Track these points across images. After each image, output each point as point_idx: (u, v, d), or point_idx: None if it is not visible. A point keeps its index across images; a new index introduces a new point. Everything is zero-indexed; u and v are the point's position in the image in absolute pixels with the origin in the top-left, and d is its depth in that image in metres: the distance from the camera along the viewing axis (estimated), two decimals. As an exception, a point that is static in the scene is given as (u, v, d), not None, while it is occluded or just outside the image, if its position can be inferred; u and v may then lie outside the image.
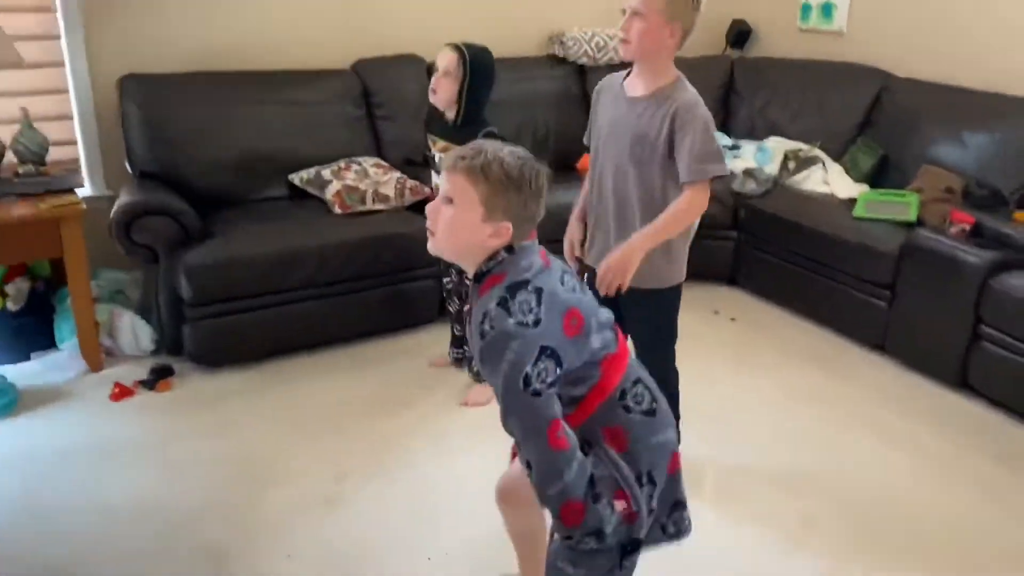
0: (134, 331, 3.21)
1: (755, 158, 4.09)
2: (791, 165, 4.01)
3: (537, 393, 1.38)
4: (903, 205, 3.48)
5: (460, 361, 3.17)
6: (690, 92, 2.19)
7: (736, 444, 2.81)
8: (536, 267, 1.48)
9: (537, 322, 1.40)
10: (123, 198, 3.08)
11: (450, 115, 2.79)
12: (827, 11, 4.57)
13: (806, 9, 4.68)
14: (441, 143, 2.82)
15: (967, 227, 3.17)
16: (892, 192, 3.62)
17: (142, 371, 3.11)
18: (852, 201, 3.69)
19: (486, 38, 4.38)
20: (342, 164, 3.56)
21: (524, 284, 1.44)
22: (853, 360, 3.44)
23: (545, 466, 1.41)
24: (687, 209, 2.18)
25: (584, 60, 4.38)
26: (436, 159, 2.84)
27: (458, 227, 1.47)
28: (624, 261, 2.12)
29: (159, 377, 3.05)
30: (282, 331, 3.19)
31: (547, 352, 1.40)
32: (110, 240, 3.06)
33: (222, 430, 2.80)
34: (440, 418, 2.91)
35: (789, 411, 3.02)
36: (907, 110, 3.98)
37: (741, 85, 4.59)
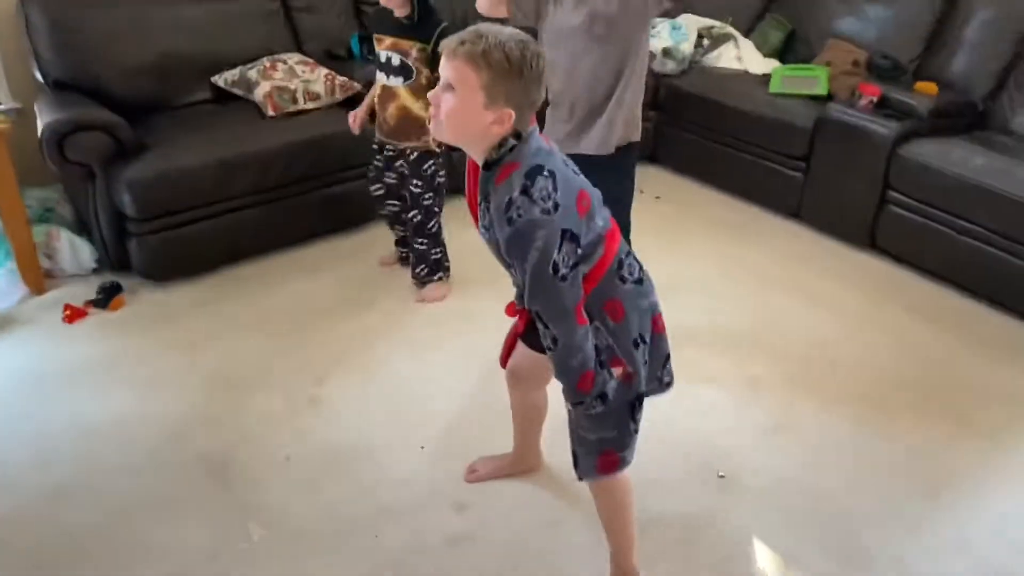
0: (73, 250, 3.13)
1: (671, 36, 4.19)
2: (705, 43, 4.15)
3: (564, 278, 1.48)
4: (814, 79, 3.69)
5: (405, 260, 3.24)
6: None
7: (679, 315, 3.03)
8: (544, 150, 1.53)
9: (556, 207, 1.45)
10: (47, 113, 2.93)
11: (401, 13, 2.75)
12: None
13: None
14: (389, 40, 2.79)
15: (874, 99, 3.41)
16: (803, 67, 3.82)
17: (89, 290, 3.06)
18: (766, 76, 3.87)
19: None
20: (267, 63, 3.46)
21: (540, 169, 1.47)
22: (773, 228, 3.71)
23: (570, 341, 1.53)
24: None
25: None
26: (384, 58, 2.82)
27: (460, 113, 1.47)
28: None
29: (110, 295, 3.01)
30: (230, 240, 3.18)
31: (568, 235, 1.47)
32: (29, 156, 2.93)
33: (189, 343, 2.83)
34: (402, 316, 3.01)
35: (721, 281, 3.28)
36: (811, -17, 4.14)
37: (650, -39, 4.63)
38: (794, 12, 4.17)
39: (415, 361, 2.76)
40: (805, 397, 2.62)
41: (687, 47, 4.12)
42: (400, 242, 3.24)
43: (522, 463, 2.25)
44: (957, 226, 3.10)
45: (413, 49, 2.76)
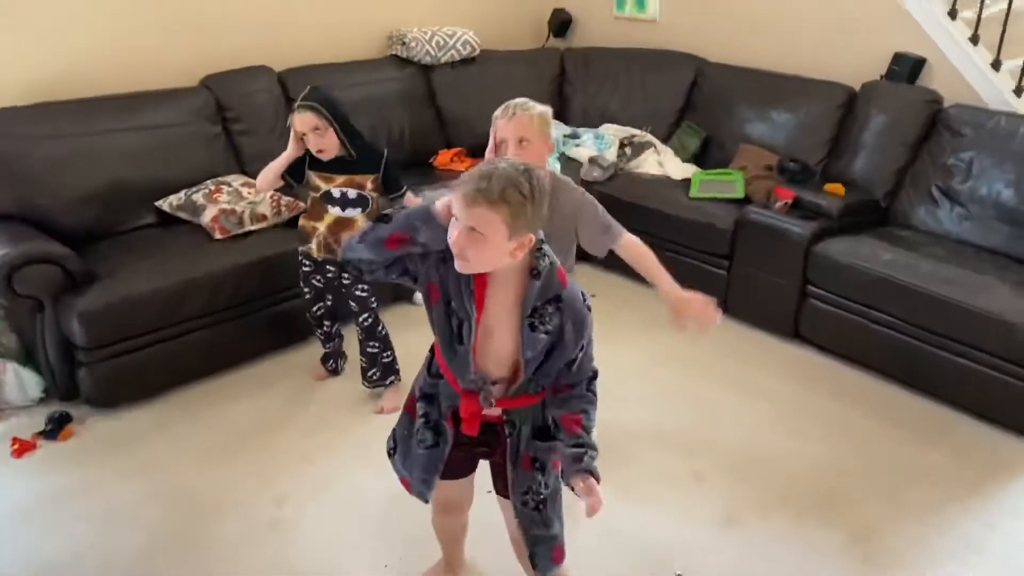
0: (20, 381, 3.11)
1: (596, 146, 4.45)
2: (628, 151, 4.42)
3: None
4: (731, 183, 3.97)
5: (335, 371, 3.37)
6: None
7: (619, 407, 3.18)
8: None
9: None
10: (-6, 247, 2.96)
11: (342, 153, 2.93)
12: (640, 1, 4.99)
13: (621, -1, 5.09)
14: (342, 179, 2.96)
15: (788, 201, 3.69)
16: (720, 172, 4.11)
17: (37, 422, 3.04)
18: (686, 181, 4.14)
19: (327, 42, 4.52)
20: (212, 187, 3.56)
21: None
22: (702, 323, 3.91)
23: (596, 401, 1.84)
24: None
25: (427, 59, 4.55)
26: (338, 194, 2.97)
27: (488, 251, 1.60)
28: None
29: (59, 425, 2.99)
30: (180, 362, 3.21)
31: None
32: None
33: (143, 470, 2.83)
34: (357, 428, 3.07)
35: (657, 375, 3.45)
36: (721, 93, 4.49)
37: (572, 75, 4.94)
38: (707, 120, 4.50)
39: (373, 474, 2.81)
40: (750, 489, 2.76)
41: (611, 155, 4.39)
42: (325, 357, 3.36)
43: (453, 571, 2.39)
44: (872, 316, 3.35)
45: (367, 182, 2.97)
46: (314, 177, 3.00)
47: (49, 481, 2.78)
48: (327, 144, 2.89)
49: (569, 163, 4.40)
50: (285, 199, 3.59)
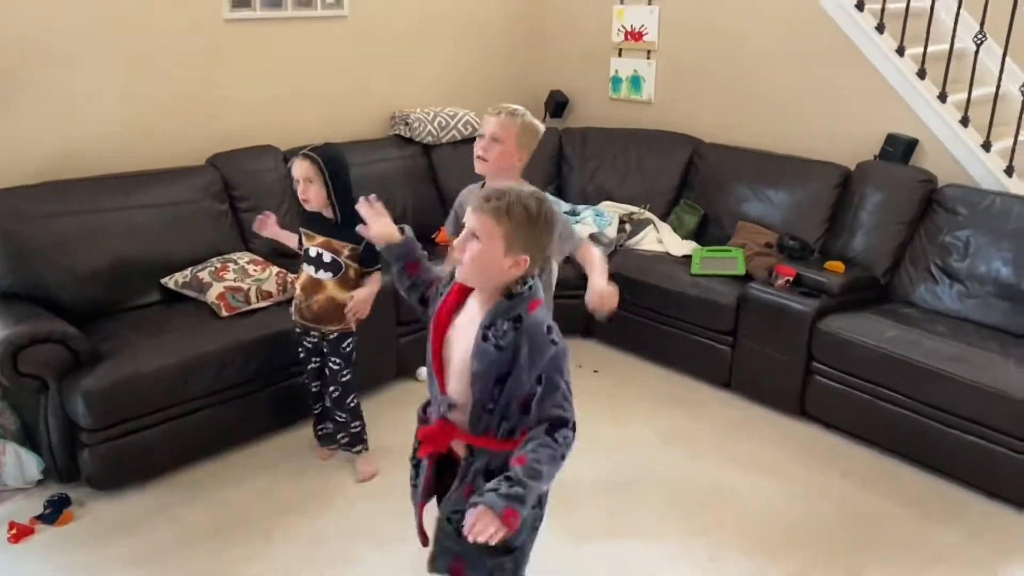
0: (19, 462, 3.04)
1: (595, 223, 4.51)
2: (627, 228, 4.48)
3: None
4: (732, 260, 4.02)
5: (326, 437, 3.31)
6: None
7: (624, 483, 3.15)
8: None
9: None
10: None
11: (327, 214, 2.97)
12: (636, 84, 5.12)
13: (616, 82, 5.21)
14: (321, 239, 3.00)
15: (790, 279, 3.74)
16: (720, 248, 4.16)
17: (35, 505, 2.96)
18: (686, 257, 4.19)
19: (332, 121, 4.58)
20: (218, 264, 3.56)
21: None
22: (706, 399, 3.91)
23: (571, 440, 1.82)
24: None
25: (429, 139, 4.62)
26: (314, 253, 3.00)
27: (482, 259, 1.74)
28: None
29: (59, 509, 2.92)
30: (183, 442, 3.16)
31: None
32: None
33: (146, 556, 2.75)
34: (365, 506, 3.01)
35: (664, 449, 3.42)
36: (717, 172, 4.58)
37: (570, 154, 5.03)
38: (704, 197, 4.57)
39: (382, 556, 2.75)
40: (764, 569, 2.72)
41: (611, 231, 4.44)
42: (316, 420, 3.33)
43: None
44: (878, 393, 3.35)
45: (345, 249, 2.99)
46: (302, 233, 3.08)
47: (47, 569, 2.69)
48: (312, 196, 2.94)
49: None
50: (291, 276, 3.59)
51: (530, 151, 2.70)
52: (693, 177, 4.70)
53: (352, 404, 3.17)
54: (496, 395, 1.79)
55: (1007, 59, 3.92)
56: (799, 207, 4.24)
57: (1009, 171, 3.90)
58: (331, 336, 3.08)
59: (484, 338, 1.77)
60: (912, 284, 3.80)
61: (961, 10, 3.97)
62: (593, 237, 4.37)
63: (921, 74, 4.03)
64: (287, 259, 3.84)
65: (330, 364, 3.11)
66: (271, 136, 4.18)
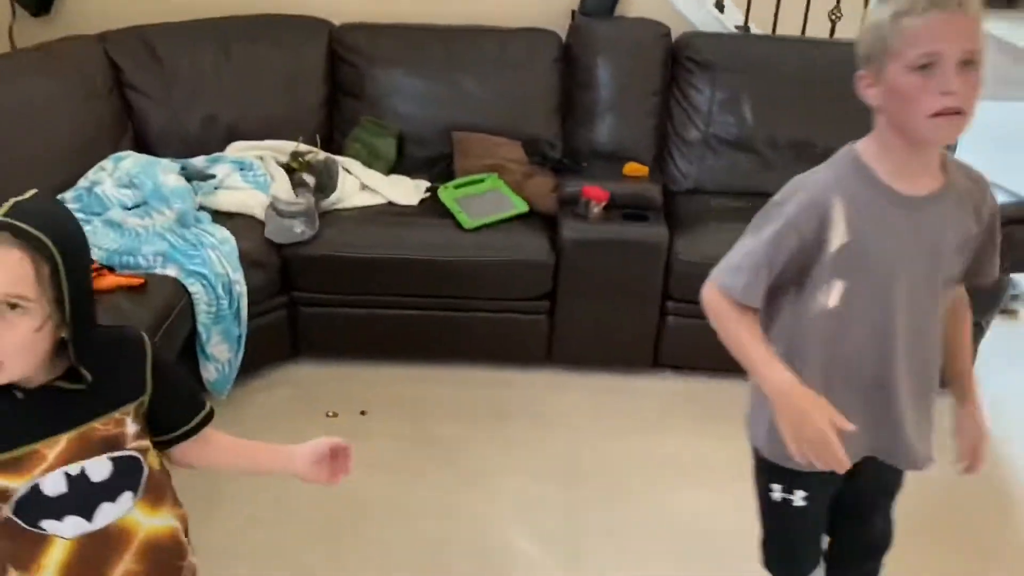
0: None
1: (244, 180, 2.83)
2: (309, 179, 2.87)
3: None
4: (498, 194, 2.87)
5: None
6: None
7: None
8: None
9: None
10: None
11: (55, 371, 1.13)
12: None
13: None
14: (65, 437, 1.16)
15: (604, 202, 2.77)
16: (468, 181, 2.92)
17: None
18: (428, 206, 2.88)
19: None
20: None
21: None
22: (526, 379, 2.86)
23: None
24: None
25: None
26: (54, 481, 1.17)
27: None
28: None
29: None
30: None
31: None
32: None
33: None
34: None
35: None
36: (379, 65, 3.16)
37: (131, 75, 3.02)
38: (380, 108, 3.15)
39: None
40: None
41: (285, 191, 2.82)
42: None
43: None
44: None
45: (126, 421, 1.23)
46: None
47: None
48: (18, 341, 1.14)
49: (217, 217, 2.70)
50: None
51: None
52: (345, 80, 3.21)
53: None
54: None
55: None
56: (520, 97, 3.18)
57: (720, 5, 3.39)
58: None
59: None
60: (695, 168, 3.15)
61: None
62: (276, 209, 2.74)
63: None
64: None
65: None
66: None
